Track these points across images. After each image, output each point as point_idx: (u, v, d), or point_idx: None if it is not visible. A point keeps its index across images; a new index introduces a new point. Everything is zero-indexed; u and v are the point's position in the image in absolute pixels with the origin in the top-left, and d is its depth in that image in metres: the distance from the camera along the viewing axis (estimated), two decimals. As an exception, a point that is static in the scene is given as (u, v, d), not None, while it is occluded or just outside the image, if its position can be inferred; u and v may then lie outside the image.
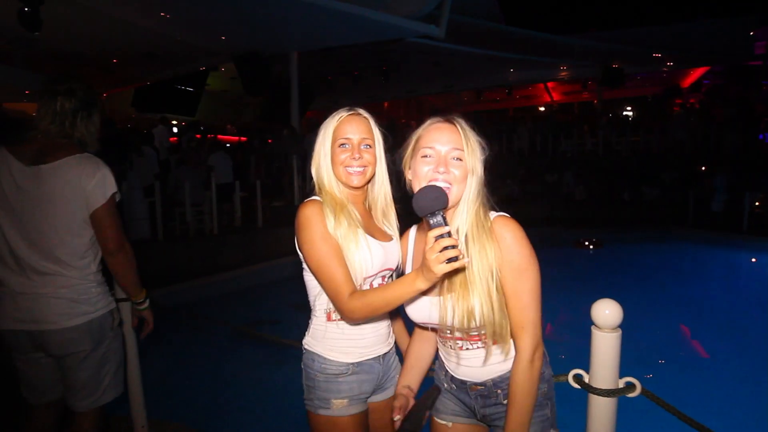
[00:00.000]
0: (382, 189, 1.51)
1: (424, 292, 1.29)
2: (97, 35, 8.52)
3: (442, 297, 1.27)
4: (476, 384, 1.34)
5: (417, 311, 1.34)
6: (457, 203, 1.27)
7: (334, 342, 1.43)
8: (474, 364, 1.32)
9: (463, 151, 1.25)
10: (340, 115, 1.44)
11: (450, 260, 1.05)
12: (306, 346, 1.49)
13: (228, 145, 14.19)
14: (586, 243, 8.87)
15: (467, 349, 1.32)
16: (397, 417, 1.33)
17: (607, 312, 1.31)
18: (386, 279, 1.48)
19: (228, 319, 5.29)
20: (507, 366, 1.30)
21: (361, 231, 1.39)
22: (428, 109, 21.67)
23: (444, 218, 1.08)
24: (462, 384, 1.36)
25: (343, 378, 1.42)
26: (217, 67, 12.43)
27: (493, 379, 1.31)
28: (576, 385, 1.40)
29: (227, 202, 8.08)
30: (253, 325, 5.09)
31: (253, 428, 3.14)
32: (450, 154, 1.25)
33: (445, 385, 1.42)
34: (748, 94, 14.78)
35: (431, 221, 1.08)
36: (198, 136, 10.41)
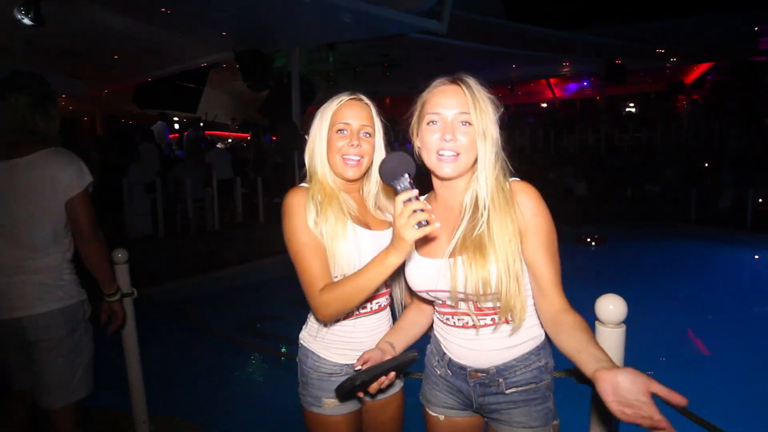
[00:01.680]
0: (375, 177, 1.43)
1: (431, 256, 1.22)
2: (99, 31, 8.51)
3: (452, 261, 1.16)
4: (477, 371, 1.24)
5: (422, 277, 1.23)
6: (471, 170, 1.20)
7: (329, 342, 1.39)
8: (477, 347, 1.22)
9: (470, 114, 1.15)
10: (340, 99, 1.36)
11: (420, 225, 1.00)
12: (302, 341, 1.46)
13: (230, 140, 14.16)
14: (589, 240, 8.85)
15: (472, 326, 1.22)
16: (358, 367, 1.21)
17: (611, 307, 1.29)
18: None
19: (229, 315, 5.31)
20: (513, 353, 1.22)
21: (349, 222, 1.31)
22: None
23: (411, 182, 1.03)
24: (461, 370, 1.26)
25: (336, 378, 1.37)
26: (218, 64, 12.41)
27: (497, 366, 1.22)
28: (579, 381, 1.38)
29: (228, 198, 8.08)
30: (255, 321, 5.09)
31: (255, 424, 3.14)
32: (457, 120, 1.16)
33: (438, 371, 1.32)
34: (752, 90, 14.68)
35: (398, 187, 1.03)
36: (208, 133, 10.40)
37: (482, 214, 1.15)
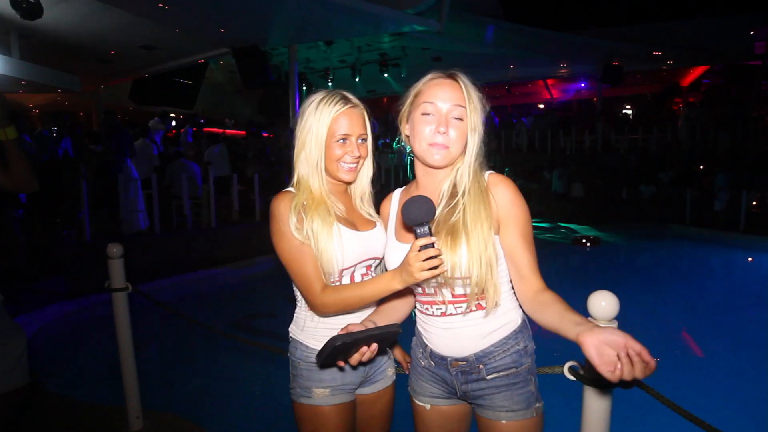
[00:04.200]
0: (365, 176, 1.48)
1: (408, 241, 1.26)
2: (95, 26, 8.45)
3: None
4: (457, 359, 1.28)
5: (399, 262, 1.24)
6: (455, 161, 1.27)
7: (316, 331, 1.41)
8: (455, 336, 1.27)
9: (464, 108, 1.21)
10: (336, 108, 1.34)
11: (432, 268, 1.10)
12: (291, 334, 1.48)
13: (223, 132, 14.10)
14: (584, 241, 8.89)
15: (450, 314, 1.27)
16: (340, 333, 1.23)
17: (603, 304, 1.30)
18: (372, 269, 1.44)
19: (224, 312, 5.30)
20: (490, 339, 1.26)
21: (335, 224, 1.35)
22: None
23: (430, 229, 1.11)
24: (442, 360, 1.31)
25: (325, 367, 1.39)
26: (216, 60, 12.36)
27: (475, 354, 1.26)
28: (571, 377, 1.38)
29: (225, 195, 8.07)
30: (250, 317, 5.09)
31: (249, 420, 3.14)
32: (451, 113, 1.22)
33: (423, 362, 1.36)
34: (747, 93, 14.78)
35: (418, 230, 1.11)
36: (194, 129, 10.40)
37: (459, 202, 1.22)
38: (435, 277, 1.13)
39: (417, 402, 1.40)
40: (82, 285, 5.16)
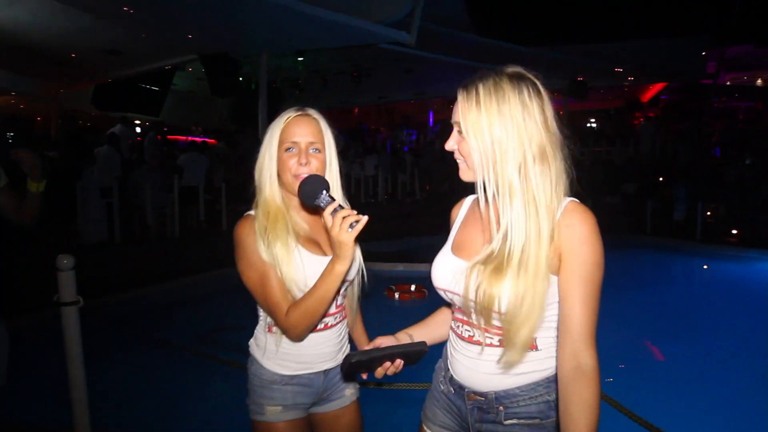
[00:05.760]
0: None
1: (460, 256, 1.16)
2: (54, 28, 8.14)
3: (471, 265, 1.07)
4: (475, 393, 1.14)
5: (443, 272, 1.18)
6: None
7: (271, 353, 1.39)
8: (477, 367, 1.12)
9: (458, 122, 1.20)
10: (287, 116, 1.36)
11: (352, 226, 1.10)
12: (249, 348, 1.47)
13: (202, 142, 13.82)
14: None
15: (478, 342, 1.12)
16: (367, 348, 1.18)
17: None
18: (342, 291, 1.43)
19: (188, 326, 5.11)
20: (517, 381, 1.10)
21: (295, 248, 1.32)
22: (399, 116, 21.83)
23: (330, 196, 1.13)
24: (460, 389, 1.17)
25: (277, 386, 1.38)
26: (184, 67, 12.10)
27: (496, 392, 1.11)
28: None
29: (193, 204, 7.85)
30: (216, 331, 4.92)
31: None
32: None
33: (442, 387, 1.24)
34: (701, 110, 15.60)
35: (321, 203, 1.13)
36: (159, 137, 10.14)
37: (507, 235, 1.04)
38: (358, 232, 1.12)
39: (425, 428, 1.28)
40: (33, 299, 4.88)
